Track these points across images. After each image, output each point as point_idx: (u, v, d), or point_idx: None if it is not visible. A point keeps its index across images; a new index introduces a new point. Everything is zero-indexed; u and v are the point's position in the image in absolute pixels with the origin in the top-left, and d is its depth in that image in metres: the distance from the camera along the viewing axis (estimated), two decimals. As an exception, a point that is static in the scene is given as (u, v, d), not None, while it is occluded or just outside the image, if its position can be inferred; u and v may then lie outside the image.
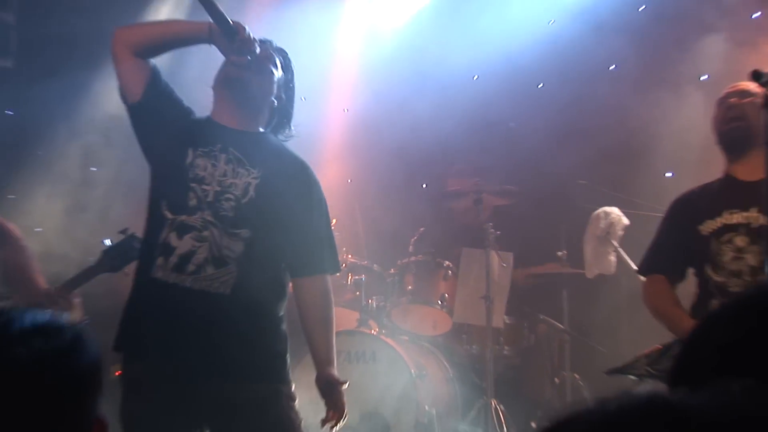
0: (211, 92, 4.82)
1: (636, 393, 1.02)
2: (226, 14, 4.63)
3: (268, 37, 5.05)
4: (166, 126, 4.77)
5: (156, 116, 4.76)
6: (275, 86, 4.88)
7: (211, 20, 4.65)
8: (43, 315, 2.09)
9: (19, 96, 8.22)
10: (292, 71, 5.04)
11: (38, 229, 7.80)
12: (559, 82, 8.53)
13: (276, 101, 4.90)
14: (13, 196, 8.01)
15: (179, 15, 8.52)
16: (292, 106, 5.03)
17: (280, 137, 4.98)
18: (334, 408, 4.71)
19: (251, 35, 4.68)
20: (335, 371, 4.79)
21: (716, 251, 5.40)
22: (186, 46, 5.01)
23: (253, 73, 4.73)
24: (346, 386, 4.81)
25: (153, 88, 4.77)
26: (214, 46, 4.73)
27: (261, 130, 4.86)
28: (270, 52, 4.86)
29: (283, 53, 5.00)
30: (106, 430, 2.08)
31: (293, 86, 5.03)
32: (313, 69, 8.15)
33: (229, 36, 4.64)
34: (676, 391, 1.22)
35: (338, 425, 4.79)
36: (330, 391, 4.72)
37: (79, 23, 8.29)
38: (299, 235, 4.80)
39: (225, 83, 4.74)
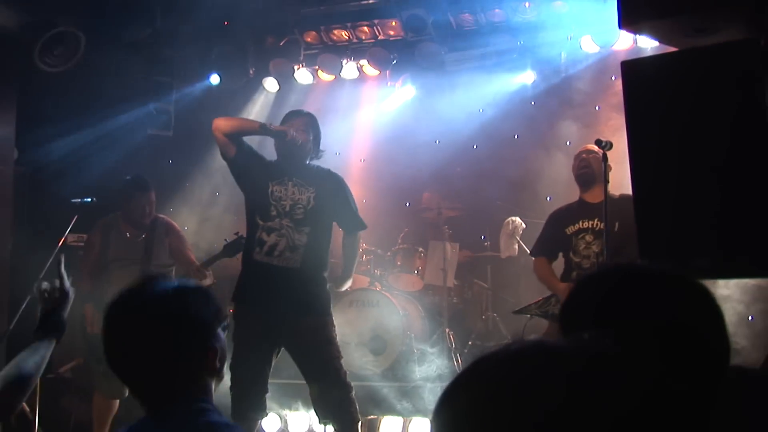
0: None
1: (528, 339, 0.97)
2: (276, 130, 5.16)
3: (320, 112, 5.74)
4: (252, 170, 5.17)
5: (245, 165, 5.17)
6: (310, 141, 5.21)
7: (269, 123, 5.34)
8: (184, 279, 2.27)
9: (174, 153, 8.56)
10: (317, 123, 5.33)
11: (185, 228, 7.71)
12: (486, 144, 8.60)
13: (313, 146, 5.25)
14: (171, 209, 8.19)
15: (266, 108, 8.92)
16: (319, 142, 5.29)
17: (315, 158, 5.30)
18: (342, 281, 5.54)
19: (291, 132, 5.08)
20: (346, 282, 5.47)
21: (575, 243, 5.86)
22: (253, 135, 5.38)
23: (300, 146, 5.13)
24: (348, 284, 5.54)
25: (240, 149, 5.14)
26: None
27: (307, 162, 5.24)
28: (301, 120, 5.25)
29: (311, 115, 5.36)
30: (218, 353, 2.13)
31: (318, 130, 5.31)
32: (342, 133, 8.74)
33: (279, 135, 5.17)
34: (552, 336, 1.48)
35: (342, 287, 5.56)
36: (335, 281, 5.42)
37: (209, 113, 8.45)
38: (343, 213, 5.30)
39: (280, 152, 5.21)
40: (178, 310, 2.09)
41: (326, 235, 5.24)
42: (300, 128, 5.17)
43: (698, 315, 1.49)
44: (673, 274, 1.53)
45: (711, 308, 1.51)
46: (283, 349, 5.08)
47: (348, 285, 5.57)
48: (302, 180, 5.14)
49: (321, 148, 5.35)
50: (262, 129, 5.23)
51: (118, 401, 6.22)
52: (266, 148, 5.48)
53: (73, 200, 6.21)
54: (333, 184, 5.29)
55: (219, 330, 2.14)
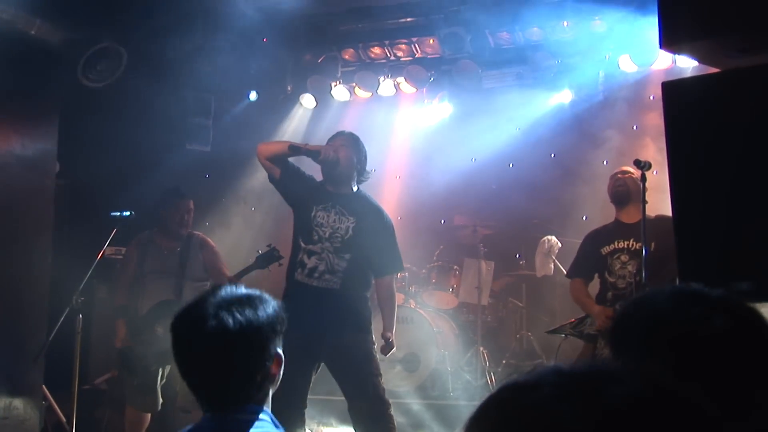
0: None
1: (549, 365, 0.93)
2: (310, 149, 5.18)
3: (356, 129, 5.66)
4: (297, 192, 5.25)
5: (290, 187, 5.26)
6: (353, 160, 5.21)
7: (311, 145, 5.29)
8: (240, 289, 2.25)
9: (212, 168, 8.61)
10: (362, 144, 5.32)
11: (220, 243, 7.48)
12: (522, 162, 8.58)
13: (357, 166, 5.27)
14: (208, 224, 8.22)
15: (303, 124, 9.01)
16: (365, 164, 5.31)
17: (363, 180, 5.31)
18: (388, 349, 5.17)
19: (326, 151, 5.13)
20: (392, 334, 5.17)
21: (610, 263, 5.79)
22: (289, 157, 5.28)
23: (334, 165, 5.14)
24: (394, 349, 5.19)
25: (285, 171, 5.23)
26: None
27: (354, 188, 5.24)
28: (344, 140, 5.25)
29: (353, 135, 5.33)
30: (282, 361, 2.21)
31: (364, 151, 5.31)
32: (380, 150, 8.53)
33: (312, 154, 5.19)
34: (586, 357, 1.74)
35: (388, 354, 5.23)
36: (387, 343, 5.14)
37: (247, 129, 8.59)
38: (377, 253, 5.22)
39: (324, 173, 5.26)
40: (245, 317, 2.13)
41: (365, 259, 5.23)
42: (338, 147, 5.19)
43: (750, 337, 1.48)
44: (722, 296, 1.52)
45: (763, 330, 1.50)
46: (321, 365, 5.13)
47: (392, 337, 5.24)
48: (345, 209, 5.18)
49: (367, 168, 5.36)
50: (291, 150, 5.20)
51: (149, 415, 6.23)
52: (315, 167, 5.47)
53: (112, 214, 6.25)
54: (376, 220, 5.27)
55: (281, 338, 2.23)
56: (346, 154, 5.19)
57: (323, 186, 5.27)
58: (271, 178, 5.28)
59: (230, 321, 2.11)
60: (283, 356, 2.22)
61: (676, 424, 0.85)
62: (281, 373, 2.24)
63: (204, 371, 2.15)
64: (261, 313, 2.17)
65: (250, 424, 2.11)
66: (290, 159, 5.27)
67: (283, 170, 5.23)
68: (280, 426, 2.18)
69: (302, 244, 5.13)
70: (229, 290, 2.21)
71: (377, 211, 5.32)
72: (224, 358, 2.12)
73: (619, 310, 1.61)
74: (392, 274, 5.37)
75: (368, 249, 5.19)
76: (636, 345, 1.49)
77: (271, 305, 2.22)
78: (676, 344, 1.45)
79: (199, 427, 2.16)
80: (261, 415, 2.15)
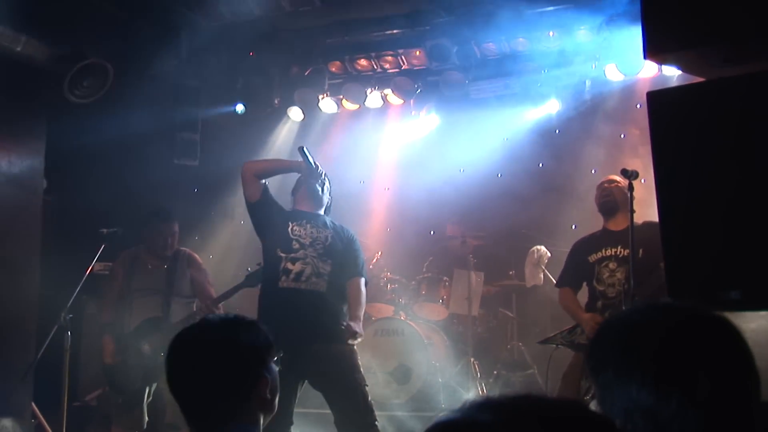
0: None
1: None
2: (311, 158, 5.34)
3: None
4: (273, 213, 5.36)
5: (267, 208, 5.36)
6: (328, 192, 5.50)
7: (300, 159, 5.39)
8: (233, 316, 2.37)
9: (200, 182, 8.55)
10: (330, 183, 5.56)
11: (210, 257, 7.92)
12: (510, 172, 8.53)
13: (329, 199, 5.52)
14: (197, 238, 8.25)
15: (291, 137, 8.89)
16: (331, 201, 5.56)
17: (328, 211, 5.52)
18: (353, 336, 5.08)
19: (322, 170, 5.39)
20: (359, 325, 5.16)
21: (598, 271, 5.80)
22: (285, 173, 5.71)
23: (321, 187, 5.41)
24: (359, 339, 5.13)
25: (265, 193, 5.38)
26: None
27: (321, 213, 5.46)
28: (323, 176, 5.47)
29: (325, 174, 5.52)
30: (268, 383, 2.25)
31: (331, 190, 5.56)
32: (368, 163, 8.88)
33: (310, 170, 5.37)
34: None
35: (351, 341, 5.12)
36: (352, 330, 5.05)
37: (234, 142, 8.61)
38: (353, 260, 5.37)
39: (309, 192, 5.39)
40: (230, 338, 2.25)
41: (344, 270, 5.35)
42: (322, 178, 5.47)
43: (725, 354, 1.50)
44: (699, 312, 1.55)
45: (738, 346, 1.52)
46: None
47: (359, 329, 5.28)
48: (318, 225, 5.36)
49: (331, 196, 5.60)
50: (299, 150, 5.38)
51: None
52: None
53: (100, 230, 6.21)
54: (348, 234, 5.48)
55: (271, 363, 2.30)
56: (325, 186, 5.48)
57: (294, 209, 5.46)
58: (251, 199, 5.38)
59: (217, 340, 2.25)
60: (274, 381, 2.30)
61: None
62: (276, 399, 2.31)
63: (190, 389, 2.24)
64: (249, 336, 2.28)
65: None
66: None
67: (263, 192, 5.36)
68: None
69: (282, 254, 5.18)
70: (223, 317, 2.38)
71: (345, 228, 5.52)
72: (209, 375, 2.21)
73: (592, 329, 1.67)
74: (363, 277, 5.43)
75: (344, 258, 5.33)
76: (614, 361, 1.52)
77: (259, 331, 2.33)
78: (654, 356, 1.48)
79: None
80: (248, 430, 2.22)
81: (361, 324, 5.24)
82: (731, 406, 1.45)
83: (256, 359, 2.25)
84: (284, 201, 5.53)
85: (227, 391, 2.21)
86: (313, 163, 5.35)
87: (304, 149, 5.38)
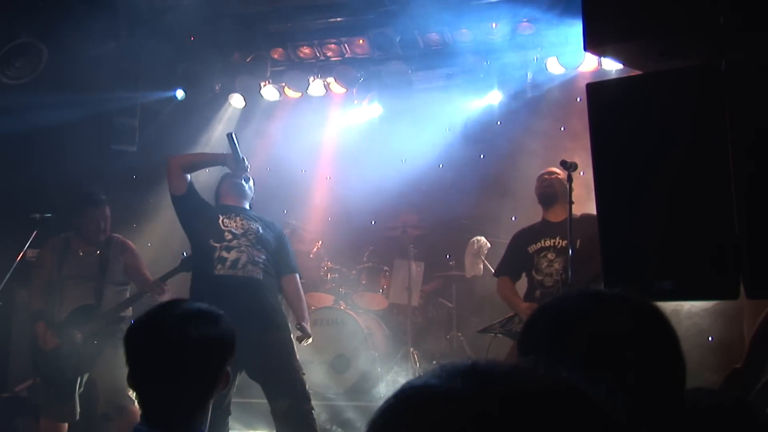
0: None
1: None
2: (238, 147, 5.46)
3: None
4: (199, 206, 5.49)
5: (193, 201, 5.47)
6: (251, 188, 5.65)
7: (226, 152, 5.52)
8: (198, 305, 2.27)
9: (138, 168, 8.37)
10: (253, 181, 5.73)
11: (148, 244, 7.90)
12: (452, 163, 8.61)
13: (253, 194, 5.66)
14: (135, 225, 8.16)
15: (232, 124, 8.74)
16: (253, 194, 5.70)
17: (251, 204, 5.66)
18: (305, 338, 5.33)
19: (247, 163, 5.50)
20: (308, 324, 5.40)
21: (537, 262, 5.91)
22: (211, 167, 5.97)
23: (245, 182, 5.57)
24: (310, 340, 5.39)
25: (190, 188, 5.47)
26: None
27: (247, 206, 5.61)
28: (248, 169, 5.60)
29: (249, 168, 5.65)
30: (229, 378, 2.23)
31: (254, 187, 5.72)
32: (309, 151, 8.85)
33: (237, 163, 5.47)
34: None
35: (303, 343, 5.36)
36: (304, 332, 5.31)
37: (174, 128, 8.54)
38: (284, 254, 5.53)
39: (234, 186, 5.55)
40: (208, 330, 2.16)
41: (275, 261, 5.46)
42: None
43: (653, 340, 1.53)
44: (628, 299, 1.57)
45: (666, 332, 1.55)
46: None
47: (307, 326, 5.45)
48: (247, 217, 5.48)
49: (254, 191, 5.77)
50: (228, 136, 5.48)
51: (67, 425, 5.95)
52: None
53: (32, 215, 6.06)
54: (277, 228, 5.64)
55: (232, 356, 2.23)
56: (249, 180, 5.66)
57: (220, 203, 5.57)
58: (176, 193, 5.44)
59: (194, 333, 2.12)
60: (229, 374, 2.23)
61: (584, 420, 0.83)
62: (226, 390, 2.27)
63: (159, 382, 2.13)
64: (220, 330, 2.18)
65: None
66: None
67: (189, 186, 5.44)
68: None
69: (215, 245, 5.22)
70: (188, 305, 2.23)
71: (275, 222, 5.68)
72: (183, 369, 2.11)
73: (527, 317, 1.66)
74: (297, 273, 5.55)
75: (276, 250, 5.45)
76: (545, 345, 1.53)
77: (227, 323, 2.22)
78: (583, 342, 1.49)
79: None
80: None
81: (309, 323, 5.40)
82: (659, 392, 1.48)
83: (222, 355, 2.19)
84: (208, 197, 5.64)
85: (199, 386, 2.16)
86: (239, 153, 5.41)
87: (233, 136, 5.43)
